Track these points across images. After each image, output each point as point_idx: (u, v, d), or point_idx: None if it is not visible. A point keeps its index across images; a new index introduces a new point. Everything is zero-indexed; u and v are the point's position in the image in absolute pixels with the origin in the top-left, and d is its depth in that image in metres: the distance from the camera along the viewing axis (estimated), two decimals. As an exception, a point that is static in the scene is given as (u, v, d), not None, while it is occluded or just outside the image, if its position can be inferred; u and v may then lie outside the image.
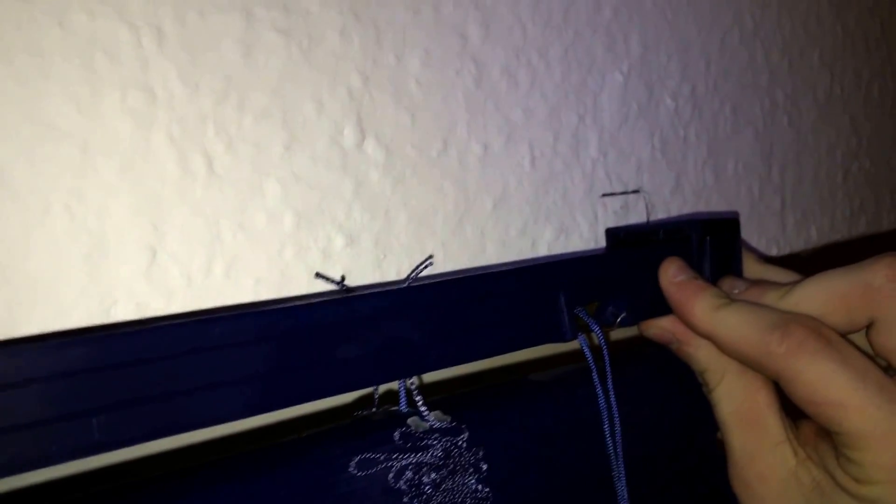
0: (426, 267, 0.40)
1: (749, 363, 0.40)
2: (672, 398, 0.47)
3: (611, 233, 0.49)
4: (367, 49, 0.41)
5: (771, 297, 0.41)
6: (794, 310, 0.40)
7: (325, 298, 0.34)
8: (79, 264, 0.34)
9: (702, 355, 0.43)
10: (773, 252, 0.60)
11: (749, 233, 0.58)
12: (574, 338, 0.40)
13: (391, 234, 0.42)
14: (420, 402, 0.37)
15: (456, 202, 0.44)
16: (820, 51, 0.65)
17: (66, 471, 0.37)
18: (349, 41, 0.40)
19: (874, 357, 0.39)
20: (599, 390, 0.41)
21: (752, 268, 0.47)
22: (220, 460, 0.34)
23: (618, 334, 0.50)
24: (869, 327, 0.39)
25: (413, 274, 0.39)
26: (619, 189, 0.51)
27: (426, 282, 0.37)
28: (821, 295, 0.40)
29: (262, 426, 0.41)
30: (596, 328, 0.41)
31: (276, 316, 0.32)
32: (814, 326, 0.37)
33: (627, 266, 0.43)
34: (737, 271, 0.46)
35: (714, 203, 0.56)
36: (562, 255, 0.48)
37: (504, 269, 0.39)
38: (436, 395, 0.39)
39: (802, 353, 0.36)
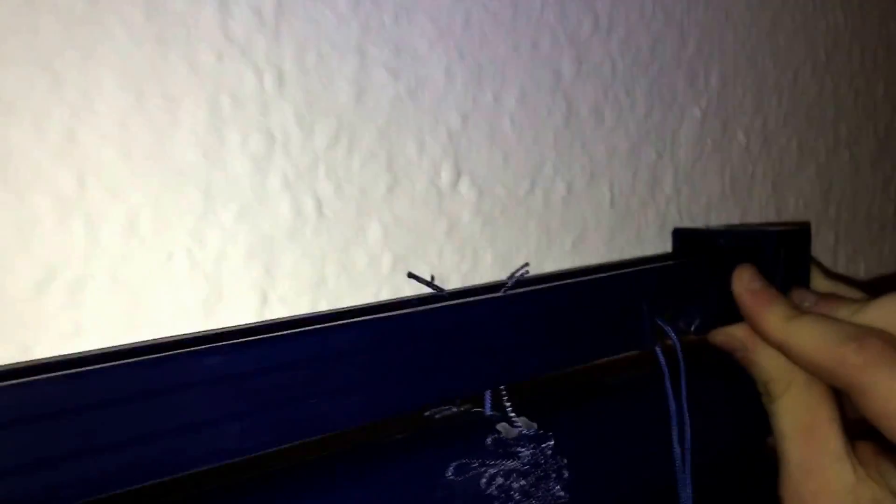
0: (523, 274, 0.43)
1: (821, 374, 0.42)
2: (736, 407, 0.50)
3: (678, 233, 0.52)
4: (469, 88, 0.44)
5: (844, 312, 0.45)
6: (868, 325, 0.43)
7: (423, 308, 0.37)
8: (196, 308, 0.38)
9: (768, 364, 0.46)
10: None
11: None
12: (654, 346, 0.44)
13: (476, 274, 0.46)
14: (509, 408, 0.40)
15: (538, 242, 0.48)
16: (885, 83, 0.70)
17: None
18: (453, 80, 0.44)
19: None
20: (671, 396, 0.44)
21: (820, 282, 0.50)
22: (319, 460, 0.37)
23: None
24: None
25: (510, 281, 0.42)
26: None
27: (521, 290, 0.40)
28: (891, 317, 0.43)
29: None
30: (674, 337, 0.44)
31: (378, 325, 0.35)
32: (891, 340, 0.40)
33: (702, 274, 0.46)
34: (805, 283, 0.49)
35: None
36: (636, 260, 0.52)
37: (589, 278, 0.42)
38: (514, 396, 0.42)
39: (879, 365, 0.39)
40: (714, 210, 0.56)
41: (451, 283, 0.44)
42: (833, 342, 0.41)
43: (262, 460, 0.39)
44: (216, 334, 0.36)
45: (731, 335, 0.47)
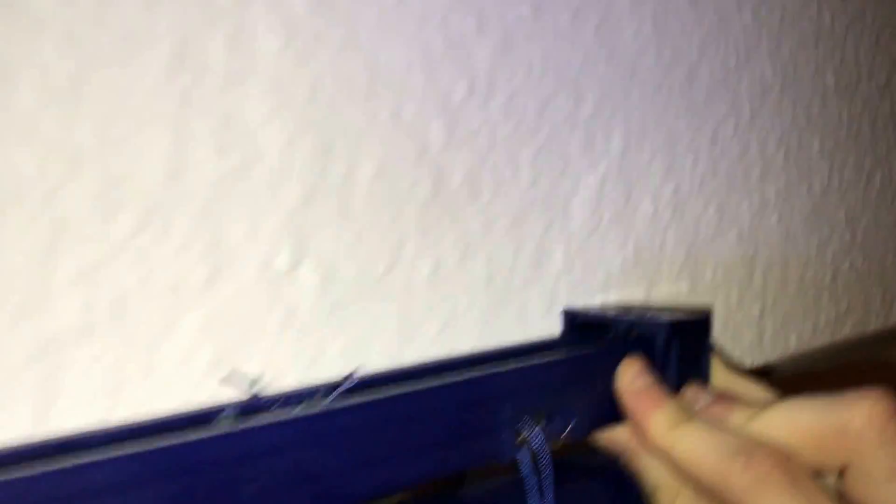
0: (348, 386, 0.40)
1: (706, 490, 0.40)
2: None
3: (568, 316, 0.50)
4: (314, 163, 0.41)
5: (738, 418, 0.42)
6: (761, 437, 0.40)
7: (222, 431, 0.33)
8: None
9: (654, 472, 0.44)
10: (747, 363, 0.61)
11: (721, 343, 0.59)
12: (513, 456, 0.41)
13: (320, 367, 0.42)
14: None
15: (399, 329, 0.44)
16: (820, 139, 0.66)
17: None
18: (293, 155, 0.40)
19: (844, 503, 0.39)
20: None
21: (721, 376, 0.47)
22: None
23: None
24: (842, 471, 0.39)
25: (331, 396, 0.39)
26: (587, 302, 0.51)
27: (347, 402, 0.37)
28: (791, 426, 0.40)
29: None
30: (539, 443, 0.41)
31: (160, 455, 0.32)
32: (781, 459, 0.37)
33: (581, 368, 0.44)
34: (704, 378, 0.47)
35: (686, 314, 0.57)
36: (514, 348, 0.48)
37: (439, 382, 0.39)
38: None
39: (766, 486, 0.36)
40: (615, 286, 0.52)
41: (288, 380, 0.41)
42: (717, 455, 0.39)
43: None
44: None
45: (615, 439, 0.45)
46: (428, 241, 0.45)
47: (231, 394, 0.39)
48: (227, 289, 0.39)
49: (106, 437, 0.35)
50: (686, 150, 0.55)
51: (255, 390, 0.39)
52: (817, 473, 0.40)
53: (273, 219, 0.40)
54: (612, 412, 0.44)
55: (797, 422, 0.40)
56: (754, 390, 0.46)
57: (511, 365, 0.42)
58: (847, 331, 0.70)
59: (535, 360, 0.42)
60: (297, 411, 0.35)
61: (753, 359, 0.62)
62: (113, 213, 0.36)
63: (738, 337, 0.60)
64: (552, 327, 0.51)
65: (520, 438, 0.41)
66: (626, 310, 0.49)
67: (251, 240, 0.39)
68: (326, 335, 0.42)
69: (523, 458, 0.41)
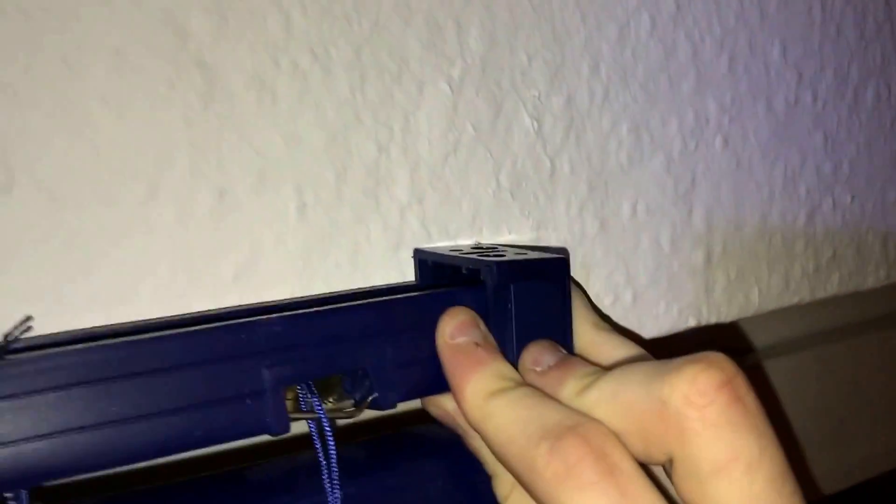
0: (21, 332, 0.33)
1: (517, 479, 0.32)
2: None
3: (420, 258, 0.43)
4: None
5: (570, 388, 0.33)
6: (588, 411, 0.32)
7: None
8: None
9: (487, 454, 0.36)
10: (691, 322, 0.51)
11: (651, 299, 0.50)
12: (286, 431, 0.34)
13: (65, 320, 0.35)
14: None
15: (173, 270, 0.37)
16: (783, 42, 0.55)
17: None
18: None
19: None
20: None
21: (585, 333, 0.39)
22: None
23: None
24: (669, 464, 0.31)
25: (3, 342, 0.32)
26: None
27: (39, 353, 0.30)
28: (615, 403, 0.32)
29: None
30: (321, 413, 0.35)
31: None
32: (597, 445, 0.29)
33: (389, 319, 0.36)
34: (560, 336, 0.38)
35: (598, 259, 0.47)
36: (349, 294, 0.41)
37: (186, 330, 0.32)
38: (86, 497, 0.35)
39: (571, 482, 0.29)
40: (485, 221, 0.44)
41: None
42: (525, 438, 0.31)
43: None
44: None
45: (444, 408, 0.38)
46: (206, 163, 0.37)
47: None
48: None
49: None
50: (581, 51, 0.46)
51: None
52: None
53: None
54: (438, 376, 0.36)
55: (620, 397, 0.32)
56: (624, 350, 0.38)
57: (284, 312, 0.35)
58: (834, 286, 0.60)
59: (322, 308, 0.36)
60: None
61: (700, 317, 0.52)
62: None
63: (677, 290, 0.51)
64: (404, 273, 0.43)
65: (295, 406, 0.35)
66: (483, 250, 0.42)
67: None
68: (59, 276, 0.35)
69: (312, 428, 0.35)
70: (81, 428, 0.30)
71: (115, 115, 0.35)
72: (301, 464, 0.37)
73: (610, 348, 0.38)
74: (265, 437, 0.34)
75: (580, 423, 0.30)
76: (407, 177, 0.42)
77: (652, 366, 0.32)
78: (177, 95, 0.36)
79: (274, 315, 0.34)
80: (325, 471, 0.35)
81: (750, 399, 0.30)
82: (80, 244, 0.35)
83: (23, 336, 0.33)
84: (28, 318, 0.33)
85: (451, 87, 0.43)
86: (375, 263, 0.42)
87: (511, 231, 0.46)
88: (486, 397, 0.33)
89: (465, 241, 0.45)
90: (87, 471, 0.30)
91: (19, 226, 0.33)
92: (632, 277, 0.50)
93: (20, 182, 0.33)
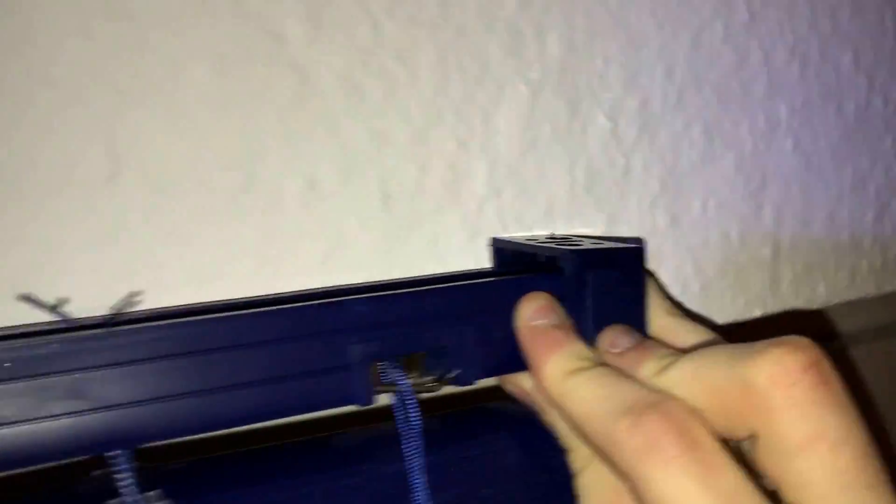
0: (135, 303, 0.37)
1: (597, 453, 0.34)
2: (528, 481, 0.41)
3: (497, 247, 0.45)
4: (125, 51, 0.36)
5: (650, 367, 0.35)
6: (668, 389, 0.33)
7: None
8: None
9: (564, 430, 0.38)
10: (757, 312, 0.53)
11: (718, 290, 0.51)
12: (369, 402, 0.36)
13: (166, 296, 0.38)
14: (129, 483, 0.33)
15: (262, 254, 0.40)
16: (855, 49, 0.56)
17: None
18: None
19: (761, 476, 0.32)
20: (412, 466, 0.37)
21: (659, 319, 0.41)
22: None
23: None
24: (751, 440, 0.32)
25: (111, 315, 0.35)
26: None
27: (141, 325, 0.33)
28: (697, 382, 0.33)
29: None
30: (405, 387, 0.36)
31: None
32: (679, 421, 0.30)
33: (471, 302, 0.38)
34: (635, 321, 0.40)
35: (667, 252, 0.49)
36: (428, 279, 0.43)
37: (280, 308, 0.35)
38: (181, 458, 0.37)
39: (654, 455, 0.30)
40: (562, 217, 0.47)
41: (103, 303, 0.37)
42: (606, 413, 0.32)
43: None
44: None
45: (520, 386, 0.40)
46: (303, 154, 0.40)
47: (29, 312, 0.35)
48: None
49: None
50: (656, 57, 0.48)
51: (56, 316, 0.35)
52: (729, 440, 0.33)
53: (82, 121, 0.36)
54: (515, 356, 0.38)
55: (703, 377, 0.33)
56: (698, 336, 0.39)
57: (370, 293, 0.37)
58: (903, 281, 0.61)
59: (407, 291, 0.37)
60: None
61: (766, 308, 0.53)
62: None
63: (744, 281, 0.53)
64: (480, 261, 0.46)
65: (382, 380, 0.37)
66: (559, 240, 0.44)
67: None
68: (161, 257, 0.38)
69: (396, 404, 0.37)
70: (180, 395, 0.32)
71: (215, 113, 0.38)
72: (383, 433, 0.39)
73: (684, 333, 0.40)
74: (350, 408, 0.36)
75: (662, 400, 0.32)
76: (485, 171, 0.44)
77: (733, 348, 0.33)
78: (272, 94, 0.39)
79: (363, 295, 0.36)
80: (407, 440, 0.37)
81: (835, 381, 0.31)
82: (180, 228, 0.38)
83: (128, 310, 0.36)
84: (134, 294, 0.37)
85: (529, 88, 0.45)
86: (453, 251, 0.44)
87: (584, 224, 0.48)
88: (565, 376, 0.35)
89: (540, 232, 0.47)
90: (182, 434, 0.33)
91: (125, 210, 0.37)
92: (700, 269, 0.51)
93: (126, 172, 0.36)
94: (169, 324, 0.32)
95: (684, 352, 0.35)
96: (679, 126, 0.50)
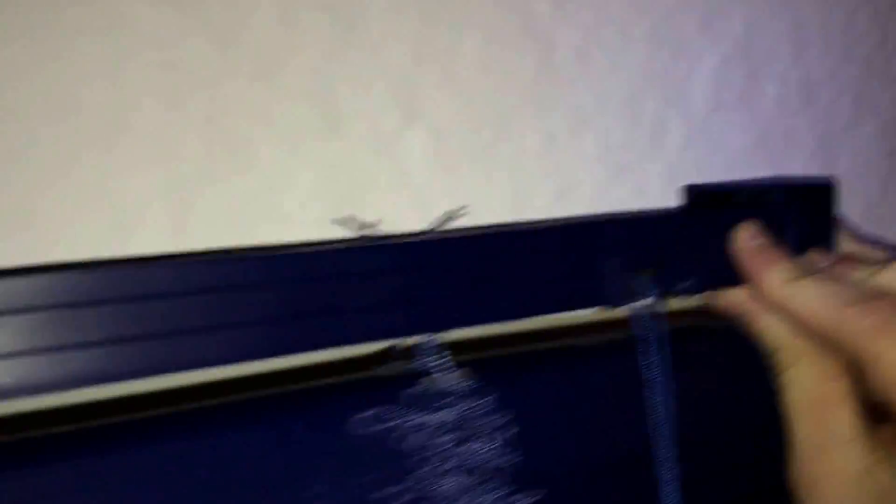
0: (456, 218, 0.43)
1: (826, 340, 0.40)
2: (732, 379, 0.48)
3: (691, 190, 0.51)
4: (421, 26, 0.45)
5: (860, 275, 0.42)
6: (883, 288, 0.41)
7: (347, 245, 0.37)
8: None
9: (774, 332, 0.44)
10: None
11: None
12: (622, 305, 0.42)
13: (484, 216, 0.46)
14: (444, 362, 0.39)
15: (511, 194, 0.48)
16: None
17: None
18: (401, 15, 0.44)
19: None
20: (650, 364, 0.43)
21: (847, 245, 0.47)
22: (227, 404, 0.38)
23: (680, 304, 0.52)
24: None
25: (438, 224, 0.42)
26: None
27: (461, 234, 0.39)
28: None
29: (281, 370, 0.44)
30: (652, 295, 0.42)
31: (292, 260, 0.35)
32: None
33: (697, 228, 0.44)
34: (828, 246, 0.47)
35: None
36: (622, 213, 0.51)
37: (544, 225, 0.41)
38: (467, 355, 0.41)
39: (889, 329, 0.37)
40: (739, 168, 0.54)
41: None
42: (835, 305, 0.40)
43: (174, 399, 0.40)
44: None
45: (733, 299, 0.46)
46: (537, 112, 0.47)
47: (344, 233, 0.43)
48: (340, 145, 0.42)
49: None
50: (815, 37, 0.56)
51: (365, 232, 0.43)
52: None
53: (383, 81, 0.44)
54: (729, 275, 0.45)
55: None
56: (883, 255, 0.46)
57: (624, 217, 0.44)
58: None
59: (650, 215, 0.44)
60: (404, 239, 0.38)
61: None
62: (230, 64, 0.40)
63: (885, 232, 0.60)
64: (672, 203, 0.53)
65: (632, 289, 0.43)
66: (749, 183, 0.50)
67: (362, 99, 0.43)
68: (437, 194, 0.46)
69: (636, 310, 0.42)
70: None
71: (480, 71, 0.46)
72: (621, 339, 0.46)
73: (870, 253, 0.46)
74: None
75: (882, 293, 0.40)
76: (681, 128, 0.53)
77: None
78: (518, 63, 0.48)
79: (623, 217, 0.43)
80: (657, 344, 0.42)
81: None
82: (456, 169, 0.47)
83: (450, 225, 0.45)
84: (454, 211, 0.45)
85: (717, 60, 0.54)
86: (653, 196, 0.52)
87: (760, 174, 0.56)
88: (787, 282, 0.41)
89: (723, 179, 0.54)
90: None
91: (419, 154, 0.46)
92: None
93: (417, 123, 0.45)
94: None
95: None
96: (833, 95, 0.58)
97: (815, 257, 0.45)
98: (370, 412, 0.38)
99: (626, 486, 0.45)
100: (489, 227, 0.45)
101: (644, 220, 0.43)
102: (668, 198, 0.53)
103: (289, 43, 0.42)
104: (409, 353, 0.40)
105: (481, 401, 0.40)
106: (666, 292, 0.43)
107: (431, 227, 0.43)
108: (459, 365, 0.40)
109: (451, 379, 0.40)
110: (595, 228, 0.42)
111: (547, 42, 0.48)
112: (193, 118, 0.40)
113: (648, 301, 0.42)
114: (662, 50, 0.51)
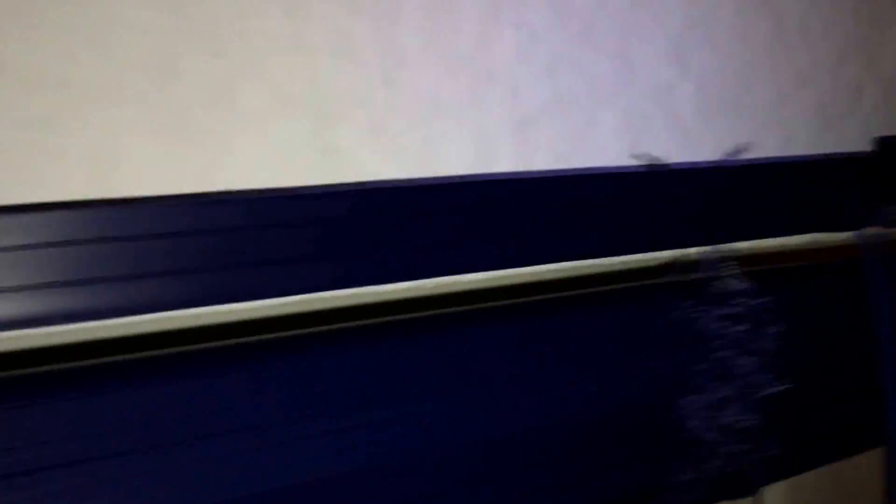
0: (742, 152, 0.52)
1: None
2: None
3: (881, 142, 0.58)
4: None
5: None
6: None
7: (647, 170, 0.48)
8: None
9: None
10: None
11: None
12: (856, 230, 0.51)
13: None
14: (732, 269, 0.49)
15: (753, 136, 0.56)
16: None
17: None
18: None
19: None
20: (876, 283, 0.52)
21: None
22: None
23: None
24: None
25: (725, 156, 0.51)
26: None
27: (738, 163, 0.50)
28: None
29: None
30: (883, 222, 0.50)
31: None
32: None
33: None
34: None
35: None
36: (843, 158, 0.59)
37: (809, 159, 0.51)
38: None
39: None
40: None
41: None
42: None
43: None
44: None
45: None
46: (771, 71, 0.57)
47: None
48: (633, 95, 0.52)
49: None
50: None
51: (654, 162, 0.53)
52: None
53: (663, 40, 0.54)
54: None
55: None
56: None
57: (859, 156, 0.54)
58: None
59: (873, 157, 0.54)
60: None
61: None
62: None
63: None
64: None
65: (863, 218, 0.51)
66: None
67: (649, 55, 0.52)
68: (702, 135, 0.55)
69: (864, 237, 0.51)
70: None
71: (732, 38, 0.56)
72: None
73: None
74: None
75: None
76: (876, 89, 0.63)
77: None
78: (756, 30, 0.57)
79: (856, 154, 0.54)
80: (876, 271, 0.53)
81: None
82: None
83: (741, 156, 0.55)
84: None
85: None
86: (849, 147, 0.62)
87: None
88: None
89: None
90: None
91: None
92: None
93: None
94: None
95: None
96: None
97: None
98: (692, 303, 0.48)
99: (851, 380, 0.55)
100: (759, 159, 0.54)
101: (870, 157, 0.53)
102: (860, 147, 0.62)
103: None
104: (692, 264, 0.50)
105: (759, 301, 0.50)
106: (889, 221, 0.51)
107: (721, 157, 0.53)
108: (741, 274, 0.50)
109: (737, 283, 0.50)
110: (839, 164, 0.52)
111: (778, 13, 0.58)
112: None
113: (878, 229, 0.51)
114: (862, 24, 0.61)
